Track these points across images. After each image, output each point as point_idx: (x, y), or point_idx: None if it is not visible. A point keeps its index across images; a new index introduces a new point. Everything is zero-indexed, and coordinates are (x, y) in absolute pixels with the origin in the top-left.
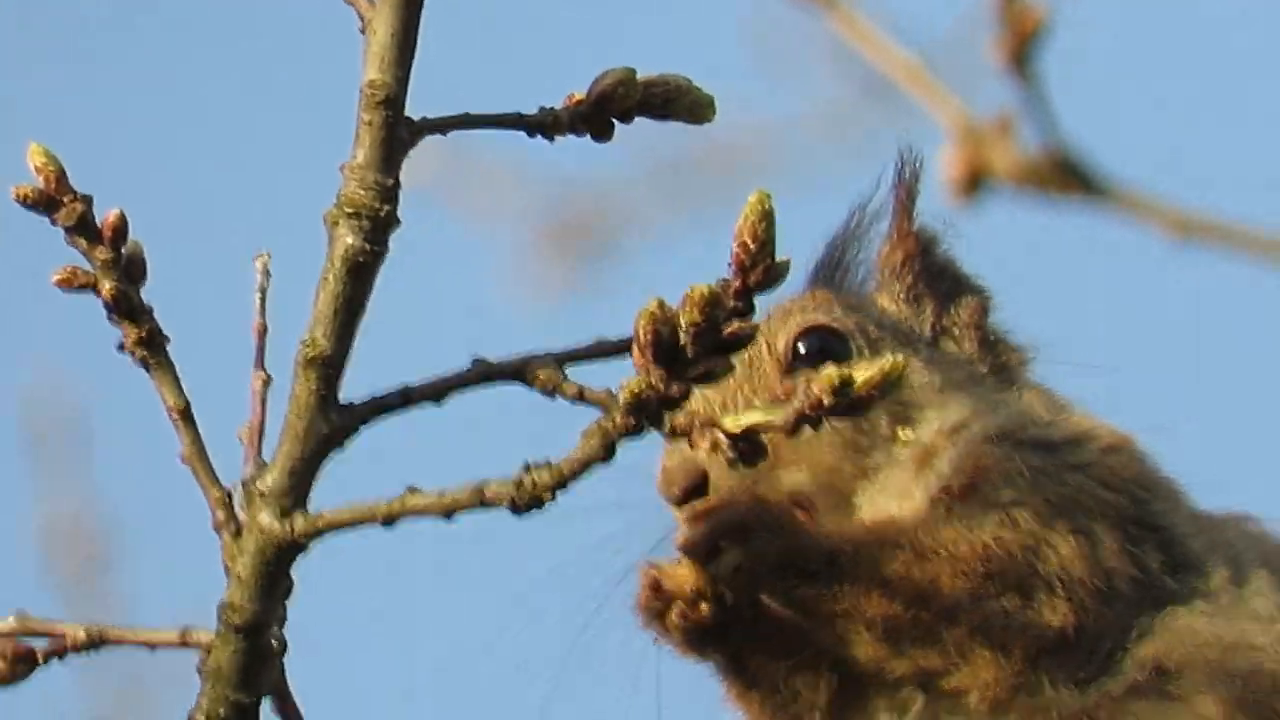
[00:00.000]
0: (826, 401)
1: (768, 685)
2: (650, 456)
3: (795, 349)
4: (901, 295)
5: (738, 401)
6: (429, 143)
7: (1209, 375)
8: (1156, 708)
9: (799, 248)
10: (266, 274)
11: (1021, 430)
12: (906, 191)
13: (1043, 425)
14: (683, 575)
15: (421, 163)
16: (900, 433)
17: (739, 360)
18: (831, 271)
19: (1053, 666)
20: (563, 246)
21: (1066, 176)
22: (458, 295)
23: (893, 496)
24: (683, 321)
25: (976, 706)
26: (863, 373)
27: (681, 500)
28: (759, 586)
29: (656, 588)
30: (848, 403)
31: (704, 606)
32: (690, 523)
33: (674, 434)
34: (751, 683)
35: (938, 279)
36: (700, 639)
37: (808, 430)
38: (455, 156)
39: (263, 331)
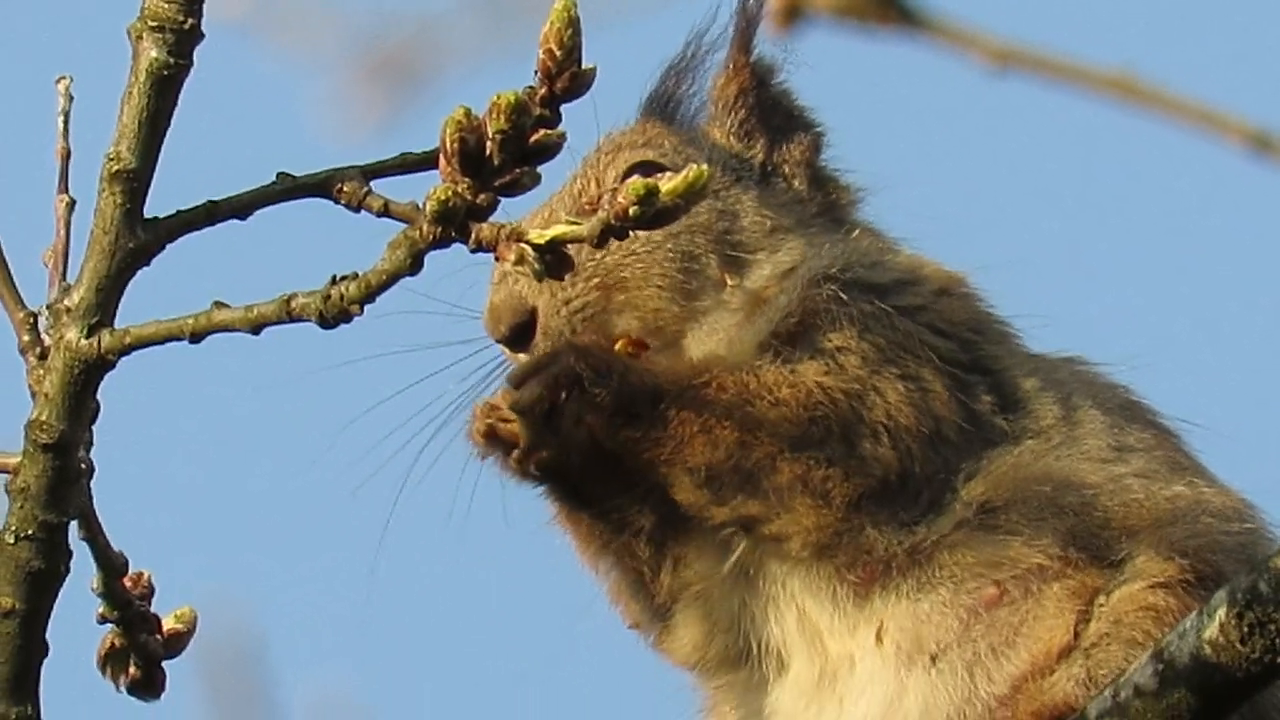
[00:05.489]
0: (632, 211)
1: (596, 509)
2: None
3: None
4: (733, 130)
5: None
6: None
7: (1027, 205)
8: (986, 540)
9: (616, 79)
10: (69, 97)
11: (850, 272)
12: (747, 21)
13: (871, 266)
14: (516, 428)
15: None
16: (729, 278)
17: (567, 192)
18: (664, 103)
19: (876, 511)
20: (380, 79)
21: (884, 6)
22: (275, 129)
23: (721, 341)
24: (489, 130)
25: (798, 552)
26: (668, 183)
27: (509, 339)
28: (596, 433)
29: (491, 435)
30: (654, 212)
31: (542, 455)
32: (520, 382)
33: (479, 246)
34: (580, 505)
35: (771, 114)
36: (535, 475)
37: (614, 243)
38: None
39: (66, 154)
